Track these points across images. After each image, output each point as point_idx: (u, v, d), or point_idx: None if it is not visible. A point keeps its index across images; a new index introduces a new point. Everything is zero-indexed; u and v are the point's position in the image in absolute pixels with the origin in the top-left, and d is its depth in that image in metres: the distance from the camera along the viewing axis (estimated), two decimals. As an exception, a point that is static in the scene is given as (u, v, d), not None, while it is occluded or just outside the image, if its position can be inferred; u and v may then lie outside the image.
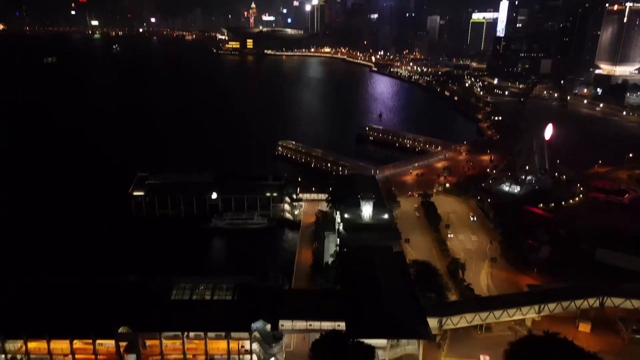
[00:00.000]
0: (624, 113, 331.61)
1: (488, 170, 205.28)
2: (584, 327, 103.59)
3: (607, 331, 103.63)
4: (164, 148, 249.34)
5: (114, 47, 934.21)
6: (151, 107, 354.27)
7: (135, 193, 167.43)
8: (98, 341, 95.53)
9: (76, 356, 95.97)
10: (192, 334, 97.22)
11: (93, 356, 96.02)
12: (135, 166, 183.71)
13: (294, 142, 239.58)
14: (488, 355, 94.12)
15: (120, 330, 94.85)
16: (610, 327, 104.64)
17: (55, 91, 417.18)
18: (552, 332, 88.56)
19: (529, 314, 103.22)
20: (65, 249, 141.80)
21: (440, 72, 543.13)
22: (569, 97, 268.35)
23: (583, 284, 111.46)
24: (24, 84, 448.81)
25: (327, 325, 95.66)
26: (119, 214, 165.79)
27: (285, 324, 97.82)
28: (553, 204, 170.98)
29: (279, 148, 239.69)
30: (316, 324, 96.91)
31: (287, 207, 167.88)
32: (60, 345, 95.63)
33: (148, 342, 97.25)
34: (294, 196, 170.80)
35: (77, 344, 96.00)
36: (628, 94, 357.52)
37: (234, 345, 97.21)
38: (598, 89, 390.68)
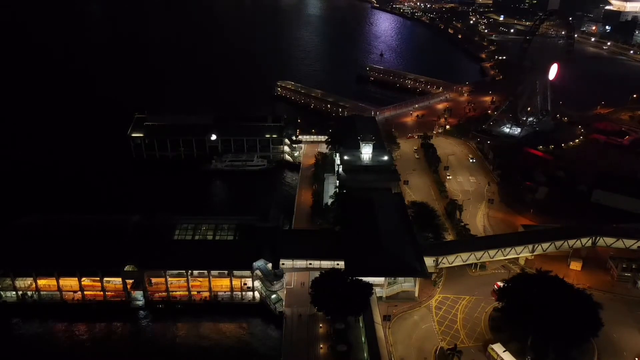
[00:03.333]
0: (632, 52, 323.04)
1: (489, 111, 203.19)
2: (575, 266, 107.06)
3: (598, 269, 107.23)
4: (161, 88, 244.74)
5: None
6: (146, 46, 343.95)
7: (134, 135, 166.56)
8: (105, 278, 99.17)
9: (85, 292, 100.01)
10: (195, 272, 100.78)
11: (101, 292, 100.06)
12: (132, 106, 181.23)
13: (293, 83, 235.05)
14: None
15: (127, 268, 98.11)
16: (601, 265, 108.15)
17: (43, 24, 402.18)
18: (544, 270, 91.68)
19: (523, 253, 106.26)
20: (67, 190, 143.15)
21: (444, 9, 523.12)
22: (576, 35, 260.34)
23: (577, 224, 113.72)
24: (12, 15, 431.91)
25: (326, 264, 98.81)
26: (119, 156, 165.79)
27: (286, 263, 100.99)
28: (553, 146, 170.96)
29: (278, 89, 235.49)
30: (316, 263, 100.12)
31: (286, 148, 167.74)
32: (69, 282, 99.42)
33: (154, 280, 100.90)
34: (294, 138, 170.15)
35: (85, 281, 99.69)
36: (637, 32, 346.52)
37: (236, 282, 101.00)
38: (607, 27, 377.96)
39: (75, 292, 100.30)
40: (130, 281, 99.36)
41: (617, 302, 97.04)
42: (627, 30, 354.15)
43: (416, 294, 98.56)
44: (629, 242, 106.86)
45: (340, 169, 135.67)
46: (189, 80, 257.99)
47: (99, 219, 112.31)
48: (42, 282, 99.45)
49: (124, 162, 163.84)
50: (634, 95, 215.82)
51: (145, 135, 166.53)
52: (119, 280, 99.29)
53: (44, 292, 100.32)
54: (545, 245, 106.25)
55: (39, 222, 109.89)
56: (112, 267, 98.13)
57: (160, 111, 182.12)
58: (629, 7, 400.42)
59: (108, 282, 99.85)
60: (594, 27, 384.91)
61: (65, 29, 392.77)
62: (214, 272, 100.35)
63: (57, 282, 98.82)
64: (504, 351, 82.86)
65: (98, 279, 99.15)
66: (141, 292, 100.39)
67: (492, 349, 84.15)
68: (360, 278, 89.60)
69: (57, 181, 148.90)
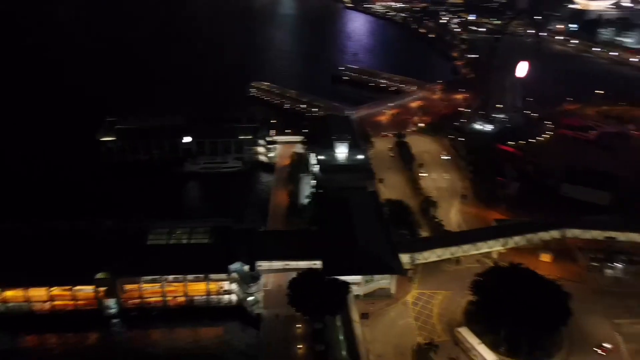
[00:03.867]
0: (596, 49, 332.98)
1: (461, 109, 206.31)
2: (546, 258, 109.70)
3: (567, 260, 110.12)
4: (132, 90, 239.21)
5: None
6: (115, 48, 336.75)
7: (104, 138, 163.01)
8: (76, 287, 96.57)
9: (55, 302, 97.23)
10: (170, 277, 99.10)
11: (72, 302, 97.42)
12: (101, 109, 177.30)
13: (267, 83, 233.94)
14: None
15: (99, 275, 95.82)
16: (570, 256, 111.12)
17: (7, 25, 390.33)
18: (517, 263, 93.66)
19: (496, 247, 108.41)
20: (35, 196, 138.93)
21: (416, 8, 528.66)
22: (544, 34, 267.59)
23: (547, 217, 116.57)
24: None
25: (303, 264, 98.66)
26: (89, 160, 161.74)
27: (263, 264, 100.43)
28: (523, 142, 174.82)
29: (252, 89, 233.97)
30: (293, 264, 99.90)
31: (261, 149, 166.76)
32: (38, 293, 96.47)
33: (127, 287, 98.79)
34: (269, 138, 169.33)
35: (56, 290, 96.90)
36: (601, 30, 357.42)
37: (213, 286, 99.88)
38: (573, 25, 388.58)
39: (44, 302, 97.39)
40: (103, 289, 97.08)
41: (586, 291, 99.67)
42: (592, 28, 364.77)
43: (393, 291, 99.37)
44: (596, 233, 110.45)
45: (316, 169, 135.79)
46: (160, 82, 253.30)
47: (68, 225, 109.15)
48: (9, 293, 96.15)
49: (94, 167, 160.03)
50: (599, 91, 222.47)
51: (116, 138, 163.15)
52: (90, 288, 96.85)
53: (12, 304, 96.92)
54: (517, 238, 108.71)
55: (5, 230, 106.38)
56: (83, 275, 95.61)
57: (132, 114, 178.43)
58: (593, 5, 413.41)
59: (79, 290, 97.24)
60: (560, 26, 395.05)
61: (32, 31, 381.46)
62: (189, 277, 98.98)
63: (26, 293, 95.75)
64: (470, 334, 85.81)
65: (69, 287, 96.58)
66: (114, 299, 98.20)
67: (459, 331, 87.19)
68: (337, 277, 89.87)
69: (24, 187, 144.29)
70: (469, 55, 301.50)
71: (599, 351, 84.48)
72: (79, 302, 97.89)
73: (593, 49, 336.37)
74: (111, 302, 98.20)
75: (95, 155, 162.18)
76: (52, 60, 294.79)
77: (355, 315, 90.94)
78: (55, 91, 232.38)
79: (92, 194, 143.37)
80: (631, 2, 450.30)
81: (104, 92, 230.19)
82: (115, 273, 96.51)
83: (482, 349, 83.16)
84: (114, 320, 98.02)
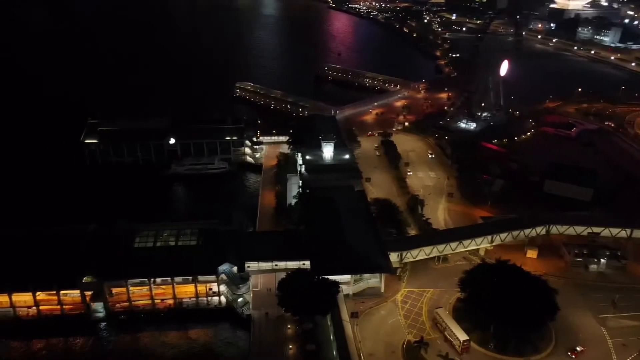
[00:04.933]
0: (575, 48, 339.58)
1: (446, 107, 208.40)
2: (532, 254, 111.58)
3: (552, 256, 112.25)
4: (113, 92, 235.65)
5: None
6: (95, 49, 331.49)
7: (87, 141, 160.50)
8: (62, 291, 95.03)
9: (40, 307, 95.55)
10: (158, 280, 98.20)
11: (59, 306, 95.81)
12: (83, 111, 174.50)
13: (252, 84, 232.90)
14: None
15: (85, 279, 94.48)
16: (555, 252, 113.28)
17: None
18: (503, 259, 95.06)
19: (483, 244, 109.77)
20: (17, 201, 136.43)
21: (398, 8, 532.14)
22: (524, 33, 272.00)
23: (531, 214, 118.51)
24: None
25: (292, 264, 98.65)
26: (72, 163, 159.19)
27: (252, 265, 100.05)
28: (506, 139, 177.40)
29: (237, 90, 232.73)
30: (282, 264, 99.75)
31: (247, 150, 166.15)
32: (22, 298, 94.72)
33: (114, 290, 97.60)
34: (255, 139, 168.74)
35: (41, 295, 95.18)
36: (579, 29, 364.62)
37: (201, 288, 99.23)
38: (552, 24, 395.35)
39: (29, 307, 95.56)
40: (89, 293, 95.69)
41: (570, 286, 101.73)
42: (571, 27, 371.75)
43: (382, 290, 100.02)
44: (580, 229, 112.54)
45: (303, 169, 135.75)
46: (143, 84, 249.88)
47: (53, 230, 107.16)
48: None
49: (77, 170, 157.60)
50: (579, 89, 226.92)
51: (99, 141, 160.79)
52: (77, 292, 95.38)
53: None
54: (502, 235, 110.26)
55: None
56: (68, 279, 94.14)
57: (114, 116, 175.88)
58: (572, 5, 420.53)
59: (65, 295, 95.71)
60: (540, 25, 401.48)
61: (8, 34, 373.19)
62: (177, 279, 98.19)
63: (10, 299, 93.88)
64: (446, 314, 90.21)
65: (54, 292, 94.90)
66: (101, 303, 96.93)
67: (437, 312, 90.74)
68: (326, 277, 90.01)
69: (5, 191, 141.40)
70: (451, 55, 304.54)
71: (572, 356, 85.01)
72: (66, 306, 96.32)
73: (573, 47, 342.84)
74: (99, 306, 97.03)
75: (78, 158, 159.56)
76: (30, 64, 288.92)
77: (345, 315, 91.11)
78: (36, 95, 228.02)
79: (76, 197, 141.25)
80: (606, 1, 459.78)
81: (86, 94, 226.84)
82: (102, 276, 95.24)
83: (454, 327, 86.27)
84: (102, 324, 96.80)
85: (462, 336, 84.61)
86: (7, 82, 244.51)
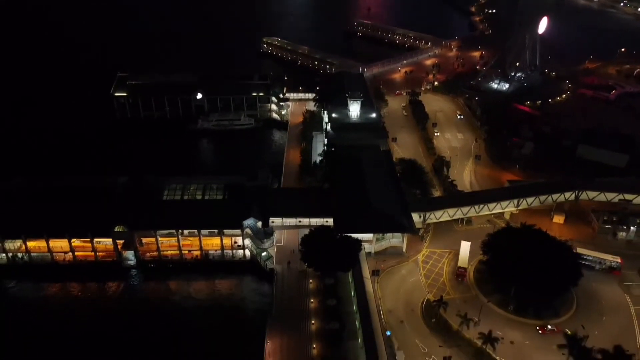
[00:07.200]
0: (622, 4, 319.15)
1: (478, 67, 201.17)
2: (558, 219, 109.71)
3: (580, 222, 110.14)
4: (143, 47, 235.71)
5: None
6: (126, 5, 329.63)
7: (117, 94, 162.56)
8: (96, 239, 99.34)
9: (76, 253, 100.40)
10: (186, 232, 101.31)
11: (92, 253, 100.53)
12: (113, 66, 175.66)
13: (279, 39, 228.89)
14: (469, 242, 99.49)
15: (117, 228, 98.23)
16: (583, 218, 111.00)
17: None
18: (529, 224, 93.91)
19: (508, 207, 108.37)
20: (52, 152, 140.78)
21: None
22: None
23: (561, 179, 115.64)
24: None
25: (315, 221, 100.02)
26: (103, 116, 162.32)
27: (276, 221, 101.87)
28: (540, 102, 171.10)
29: (264, 45, 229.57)
30: (305, 221, 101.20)
31: (274, 107, 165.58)
32: (59, 244, 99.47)
33: (144, 240, 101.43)
34: (281, 96, 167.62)
35: (76, 242, 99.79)
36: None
37: (227, 241, 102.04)
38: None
39: (65, 253, 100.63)
40: (121, 241, 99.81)
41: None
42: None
43: (404, 249, 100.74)
44: (611, 196, 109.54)
45: (329, 127, 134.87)
46: (172, 39, 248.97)
47: (86, 180, 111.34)
48: (31, 244, 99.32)
49: (107, 123, 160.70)
50: (622, 49, 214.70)
51: (128, 94, 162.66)
52: (109, 240, 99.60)
53: (35, 254, 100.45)
54: (529, 199, 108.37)
55: (26, 184, 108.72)
56: (101, 228, 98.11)
57: (143, 70, 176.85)
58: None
59: (98, 242, 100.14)
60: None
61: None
62: (204, 232, 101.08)
63: (47, 244, 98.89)
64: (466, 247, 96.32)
65: (88, 240, 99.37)
66: (132, 252, 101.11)
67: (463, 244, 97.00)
68: (349, 235, 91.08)
69: (41, 144, 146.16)
70: (487, 10, 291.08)
71: (540, 331, 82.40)
72: (99, 253, 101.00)
73: (619, 4, 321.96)
74: (130, 255, 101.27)
75: (108, 111, 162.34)
76: (61, 18, 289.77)
77: (366, 272, 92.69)
78: (68, 49, 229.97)
79: (106, 149, 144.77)
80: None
81: (117, 48, 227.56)
82: (132, 226, 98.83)
83: (461, 257, 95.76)
84: (133, 272, 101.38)
85: (462, 264, 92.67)
86: (39, 37, 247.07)
